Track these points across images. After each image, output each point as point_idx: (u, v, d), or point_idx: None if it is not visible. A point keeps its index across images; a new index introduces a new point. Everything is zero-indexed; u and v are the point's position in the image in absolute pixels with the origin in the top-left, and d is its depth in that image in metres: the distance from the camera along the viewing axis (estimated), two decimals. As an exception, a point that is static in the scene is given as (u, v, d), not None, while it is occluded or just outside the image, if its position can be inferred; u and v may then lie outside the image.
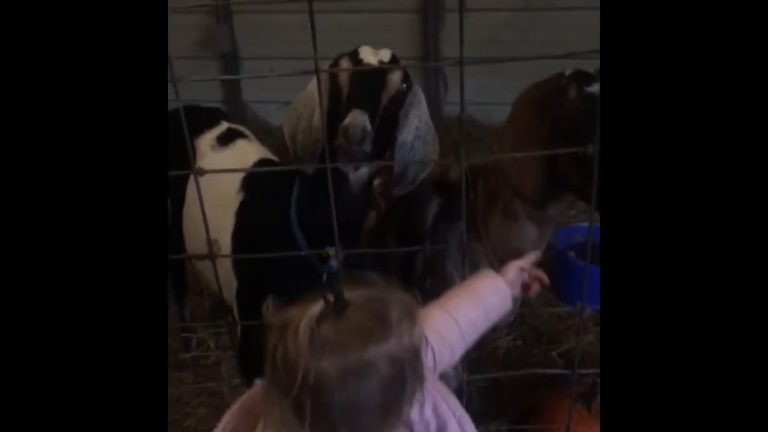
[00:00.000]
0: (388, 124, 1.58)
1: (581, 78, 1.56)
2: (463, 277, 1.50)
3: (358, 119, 1.42)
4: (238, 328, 1.95)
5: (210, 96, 4.94)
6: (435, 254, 1.93)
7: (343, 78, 1.56)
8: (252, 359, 1.98)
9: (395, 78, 1.58)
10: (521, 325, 2.81)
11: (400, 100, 1.61)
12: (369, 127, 1.43)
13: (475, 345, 2.64)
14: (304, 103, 1.67)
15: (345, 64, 1.59)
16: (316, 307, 0.94)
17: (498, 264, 1.77)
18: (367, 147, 1.43)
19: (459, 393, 1.88)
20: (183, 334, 2.75)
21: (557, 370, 2.39)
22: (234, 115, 4.79)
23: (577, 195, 1.63)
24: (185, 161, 2.08)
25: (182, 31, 4.81)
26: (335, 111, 1.56)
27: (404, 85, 1.60)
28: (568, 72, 1.62)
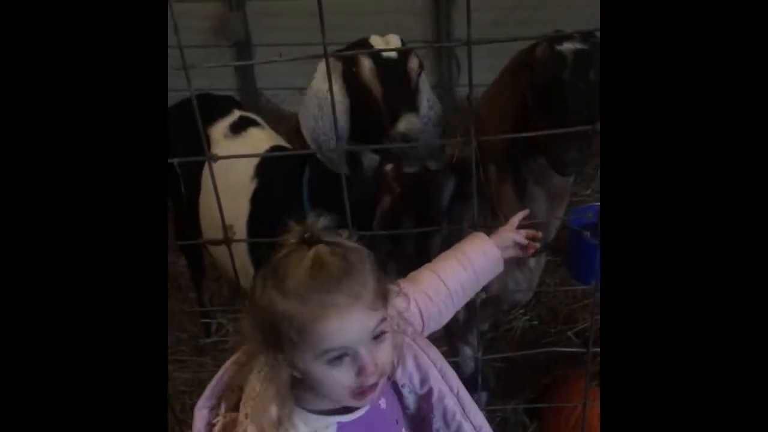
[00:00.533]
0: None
1: (555, 38, 1.58)
2: None
3: (415, 123, 1.46)
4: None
5: (224, 84, 4.97)
6: (451, 234, 1.93)
7: (367, 74, 1.56)
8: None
9: (414, 66, 1.59)
10: (537, 305, 2.82)
11: (419, 83, 1.63)
12: (420, 126, 1.48)
13: (491, 325, 2.68)
14: (324, 98, 1.63)
15: (367, 62, 1.57)
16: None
17: None
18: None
19: (475, 372, 1.93)
20: (203, 320, 2.79)
21: (573, 349, 2.41)
22: (247, 103, 4.83)
23: (544, 156, 1.61)
24: (199, 149, 2.11)
25: (196, 19, 4.83)
26: (363, 105, 1.58)
27: (420, 69, 1.61)
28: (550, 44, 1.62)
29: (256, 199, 1.95)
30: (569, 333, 2.66)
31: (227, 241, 1.46)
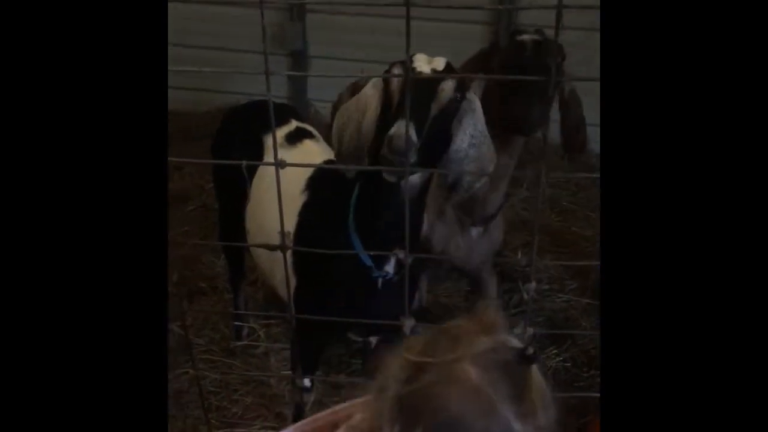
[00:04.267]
0: (439, 133, 1.57)
1: (518, 30, 2.05)
2: None
3: (401, 131, 1.40)
4: (293, 323, 1.98)
5: (276, 91, 5.01)
6: None
7: (395, 86, 1.56)
8: (304, 356, 2.02)
9: (447, 87, 1.55)
10: (571, 348, 2.77)
11: (452, 109, 1.59)
12: (414, 138, 1.42)
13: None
14: (356, 106, 1.66)
15: (397, 71, 1.58)
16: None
17: (459, 209, 2.15)
18: (412, 158, 1.41)
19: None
20: (235, 322, 2.80)
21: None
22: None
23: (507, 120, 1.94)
24: (253, 156, 2.13)
25: (255, 26, 4.91)
26: (385, 120, 1.56)
27: (457, 95, 1.58)
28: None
29: (304, 212, 1.95)
30: (602, 378, 2.60)
31: (284, 247, 1.46)
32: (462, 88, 1.60)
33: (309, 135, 2.32)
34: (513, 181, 2.35)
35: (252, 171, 2.23)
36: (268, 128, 2.26)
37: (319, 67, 4.95)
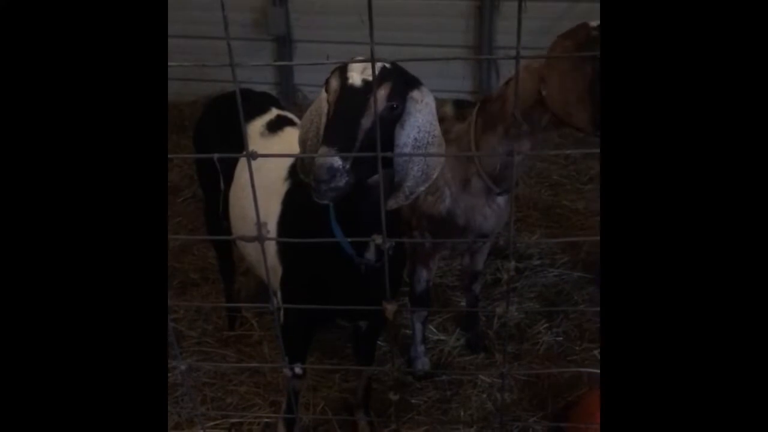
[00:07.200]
0: (382, 140, 1.43)
1: (586, 24, 1.88)
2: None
3: (323, 160, 1.37)
4: (281, 312, 1.98)
5: (263, 78, 5.00)
6: None
7: (331, 94, 1.52)
8: (293, 344, 2.02)
9: (379, 97, 1.47)
10: (564, 321, 2.78)
11: (390, 117, 1.52)
12: (338, 164, 1.37)
13: (515, 338, 2.67)
14: (316, 109, 1.62)
15: (334, 83, 1.52)
16: None
17: (489, 179, 2.15)
18: (340, 182, 1.38)
19: (425, 293, 2.48)
20: (228, 313, 2.80)
21: (598, 370, 2.37)
22: (285, 97, 4.85)
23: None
24: (235, 145, 2.12)
25: (238, 12, 4.87)
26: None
27: (393, 103, 1.50)
28: (593, 23, 1.88)
29: (287, 201, 1.94)
30: (595, 352, 2.62)
31: (261, 238, 1.46)
32: (398, 92, 1.51)
33: (290, 123, 2.31)
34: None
35: (234, 161, 2.23)
36: (247, 117, 2.28)
37: (304, 51, 4.93)
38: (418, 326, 2.59)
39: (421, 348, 2.62)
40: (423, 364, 2.62)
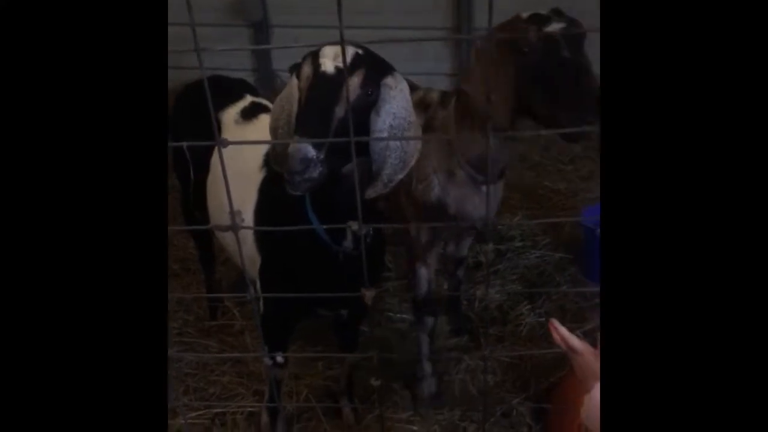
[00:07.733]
0: (357, 129, 1.47)
1: (538, 20, 1.75)
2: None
3: (296, 149, 1.34)
4: (261, 301, 1.97)
5: (240, 64, 4.94)
6: None
7: (302, 81, 1.48)
8: (273, 333, 2.01)
9: (353, 84, 1.46)
10: (546, 302, 2.79)
11: (363, 105, 1.49)
12: (311, 154, 1.35)
13: (498, 320, 2.68)
14: (287, 96, 1.58)
15: (307, 69, 1.48)
16: None
17: (471, 168, 2.07)
18: (314, 173, 1.36)
19: (428, 294, 2.27)
20: (209, 303, 2.79)
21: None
22: (263, 84, 4.80)
23: (540, 123, 1.79)
24: (209, 133, 2.09)
25: (214, -2, 4.80)
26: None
27: (368, 90, 1.47)
28: (524, 15, 1.79)
29: (263, 189, 1.92)
30: (578, 332, 2.62)
31: (234, 228, 1.44)
32: (372, 79, 1.48)
33: (265, 110, 2.27)
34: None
35: (208, 150, 2.20)
36: (221, 105, 2.25)
37: (281, 36, 4.88)
38: (424, 339, 2.33)
39: (428, 367, 2.36)
40: (429, 386, 2.37)
